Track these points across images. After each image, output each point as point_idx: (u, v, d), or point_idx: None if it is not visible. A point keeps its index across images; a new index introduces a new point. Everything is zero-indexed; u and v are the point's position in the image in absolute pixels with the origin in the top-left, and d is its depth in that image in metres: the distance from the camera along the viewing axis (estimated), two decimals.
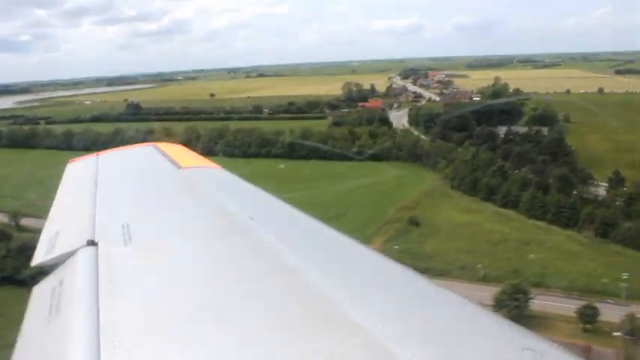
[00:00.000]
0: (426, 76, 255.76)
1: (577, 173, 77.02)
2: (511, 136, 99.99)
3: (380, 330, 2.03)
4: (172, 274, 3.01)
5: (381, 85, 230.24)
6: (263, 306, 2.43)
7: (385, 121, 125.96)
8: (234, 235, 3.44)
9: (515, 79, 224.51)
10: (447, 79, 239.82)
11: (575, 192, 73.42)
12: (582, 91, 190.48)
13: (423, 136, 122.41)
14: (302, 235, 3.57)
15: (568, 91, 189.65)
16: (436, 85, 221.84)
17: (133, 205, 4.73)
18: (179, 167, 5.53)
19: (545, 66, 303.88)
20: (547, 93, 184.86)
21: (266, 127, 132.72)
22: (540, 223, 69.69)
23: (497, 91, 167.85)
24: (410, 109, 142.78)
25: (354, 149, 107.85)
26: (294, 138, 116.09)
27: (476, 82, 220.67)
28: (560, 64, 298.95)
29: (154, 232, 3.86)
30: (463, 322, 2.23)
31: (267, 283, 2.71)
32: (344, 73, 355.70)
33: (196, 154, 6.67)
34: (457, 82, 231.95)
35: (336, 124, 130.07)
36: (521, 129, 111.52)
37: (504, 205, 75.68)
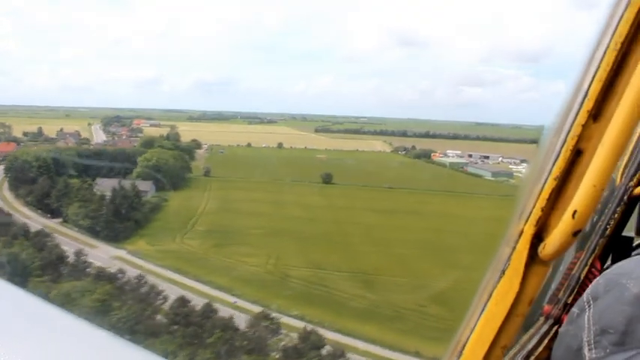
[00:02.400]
0: (129, 124, 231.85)
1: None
2: (68, 190, 77.54)
3: None
4: None
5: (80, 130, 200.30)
6: None
7: None
8: None
9: (221, 132, 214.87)
10: (143, 127, 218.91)
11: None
12: (264, 145, 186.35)
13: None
14: None
15: (249, 145, 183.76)
16: (124, 132, 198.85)
17: None
18: None
19: (263, 122, 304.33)
20: (229, 145, 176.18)
21: None
22: None
23: (150, 140, 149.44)
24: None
25: None
26: None
27: (180, 132, 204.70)
28: (277, 122, 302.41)
29: None
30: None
31: None
32: (57, 117, 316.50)
33: None
34: (153, 130, 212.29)
35: None
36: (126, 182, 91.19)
37: None
